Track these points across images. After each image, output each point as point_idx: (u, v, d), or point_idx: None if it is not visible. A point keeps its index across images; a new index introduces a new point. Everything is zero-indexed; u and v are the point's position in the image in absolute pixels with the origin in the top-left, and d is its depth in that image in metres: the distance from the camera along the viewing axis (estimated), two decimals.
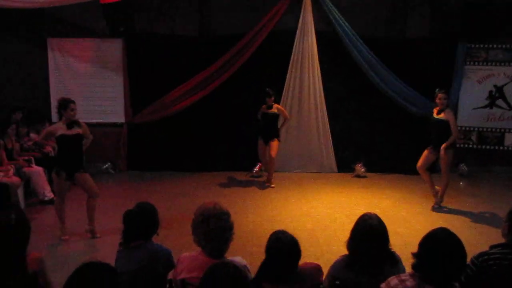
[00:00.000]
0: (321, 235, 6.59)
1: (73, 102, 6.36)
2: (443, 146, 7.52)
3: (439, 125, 7.67)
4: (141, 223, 3.64)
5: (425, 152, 7.90)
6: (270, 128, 9.13)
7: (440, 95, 7.65)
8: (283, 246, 3.07)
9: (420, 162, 7.94)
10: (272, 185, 9.18)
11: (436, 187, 8.00)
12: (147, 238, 3.66)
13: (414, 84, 9.92)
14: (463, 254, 2.69)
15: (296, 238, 3.18)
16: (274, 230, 3.29)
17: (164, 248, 3.67)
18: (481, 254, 3.18)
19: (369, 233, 3.21)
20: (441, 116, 7.64)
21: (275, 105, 9.14)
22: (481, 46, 10.17)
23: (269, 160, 9.12)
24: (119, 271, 2.56)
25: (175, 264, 3.39)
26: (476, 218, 7.48)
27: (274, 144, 9.06)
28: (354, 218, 3.47)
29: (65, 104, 6.29)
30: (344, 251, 3.48)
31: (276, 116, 9.18)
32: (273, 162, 9.18)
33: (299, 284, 3.09)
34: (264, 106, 9.10)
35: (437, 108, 7.75)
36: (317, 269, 3.31)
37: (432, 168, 8.13)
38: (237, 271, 2.38)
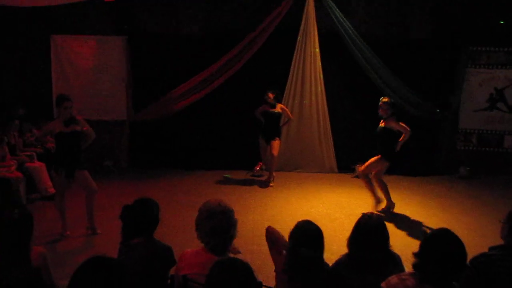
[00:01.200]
0: None
1: (68, 99, 6.26)
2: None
3: (380, 133, 7.65)
4: (141, 219, 3.60)
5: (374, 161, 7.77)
6: (273, 127, 9.14)
7: (380, 103, 7.59)
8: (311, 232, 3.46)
9: (373, 173, 7.81)
10: (271, 184, 9.20)
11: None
12: (149, 234, 3.63)
13: (415, 86, 9.94)
14: (464, 254, 2.71)
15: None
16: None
17: (165, 245, 3.65)
18: (480, 256, 3.20)
19: (370, 233, 3.25)
20: (383, 124, 7.62)
21: (279, 105, 9.17)
22: (483, 49, 10.20)
23: (271, 159, 9.15)
24: None
25: (176, 260, 3.41)
26: (476, 220, 7.50)
27: (276, 143, 9.09)
28: (354, 218, 3.51)
29: (60, 102, 6.27)
30: (343, 250, 3.51)
31: (279, 116, 9.20)
32: (275, 161, 9.21)
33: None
34: (265, 105, 9.10)
35: None
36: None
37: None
38: (245, 266, 2.39)
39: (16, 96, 10.20)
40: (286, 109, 9.39)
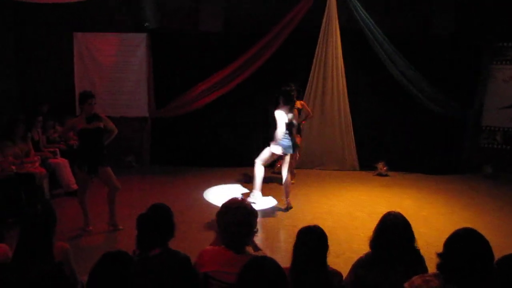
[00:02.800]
0: (342, 233, 6.58)
1: (92, 96, 6.35)
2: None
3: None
4: (156, 227, 3.41)
5: None
6: None
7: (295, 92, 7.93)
8: (312, 234, 3.17)
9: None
10: (292, 182, 9.16)
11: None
12: (164, 243, 3.43)
13: (438, 83, 9.81)
14: (490, 255, 2.65)
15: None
16: (295, 227, 3.33)
17: (183, 255, 3.42)
18: (506, 257, 3.12)
19: (393, 232, 3.20)
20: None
21: (298, 101, 9.10)
22: (509, 44, 10.00)
23: (290, 156, 9.12)
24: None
25: (196, 259, 3.36)
26: (500, 219, 7.38)
27: (297, 140, 9.04)
28: (375, 217, 3.46)
29: (84, 98, 6.32)
30: (364, 249, 3.47)
31: (299, 112, 9.07)
32: (294, 158, 9.17)
33: (326, 280, 3.12)
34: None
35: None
36: (341, 274, 3.31)
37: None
38: (276, 265, 2.40)
39: (39, 93, 10.35)
40: (306, 105, 9.31)
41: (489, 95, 10.17)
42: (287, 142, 7.57)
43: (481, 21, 9.82)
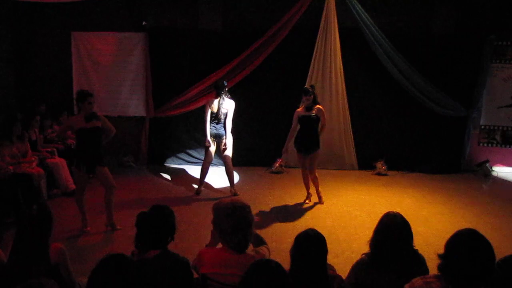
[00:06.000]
0: (341, 233, 6.54)
1: (91, 95, 6.28)
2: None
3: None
4: (156, 229, 3.36)
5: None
6: (312, 135, 7.54)
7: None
8: (311, 240, 3.06)
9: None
10: (322, 202, 7.98)
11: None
12: (164, 245, 3.37)
13: (438, 82, 9.78)
14: (492, 256, 2.61)
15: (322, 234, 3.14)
16: (294, 227, 3.27)
17: (182, 259, 3.21)
18: (507, 259, 3.08)
19: (393, 232, 3.17)
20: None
21: (316, 106, 7.51)
22: (509, 43, 9.97)
23: (313, 178, 7.80)
24: None
25: (193, 268, 3.29)
26: (499, 218, 7.33)
27: (317, 156, 7.69)
28: (375, 216, 3.43)
29: (83, 97, 6.24)
30: (364, 249, 3.44)
31: (317, 120, 7.51)
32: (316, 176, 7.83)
33: (325, 284, 3.06)
34: (302, 107, 7.60)
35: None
36: (340, 277, 3.23)
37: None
38: (280, 268, 2.39)
39: (37, 92, 10.31)
40: (323, 111, 7.64)
41: (489, 94, 10.15)
42: (212, 130, 8.12)
43: (481, 20, 9.79)
